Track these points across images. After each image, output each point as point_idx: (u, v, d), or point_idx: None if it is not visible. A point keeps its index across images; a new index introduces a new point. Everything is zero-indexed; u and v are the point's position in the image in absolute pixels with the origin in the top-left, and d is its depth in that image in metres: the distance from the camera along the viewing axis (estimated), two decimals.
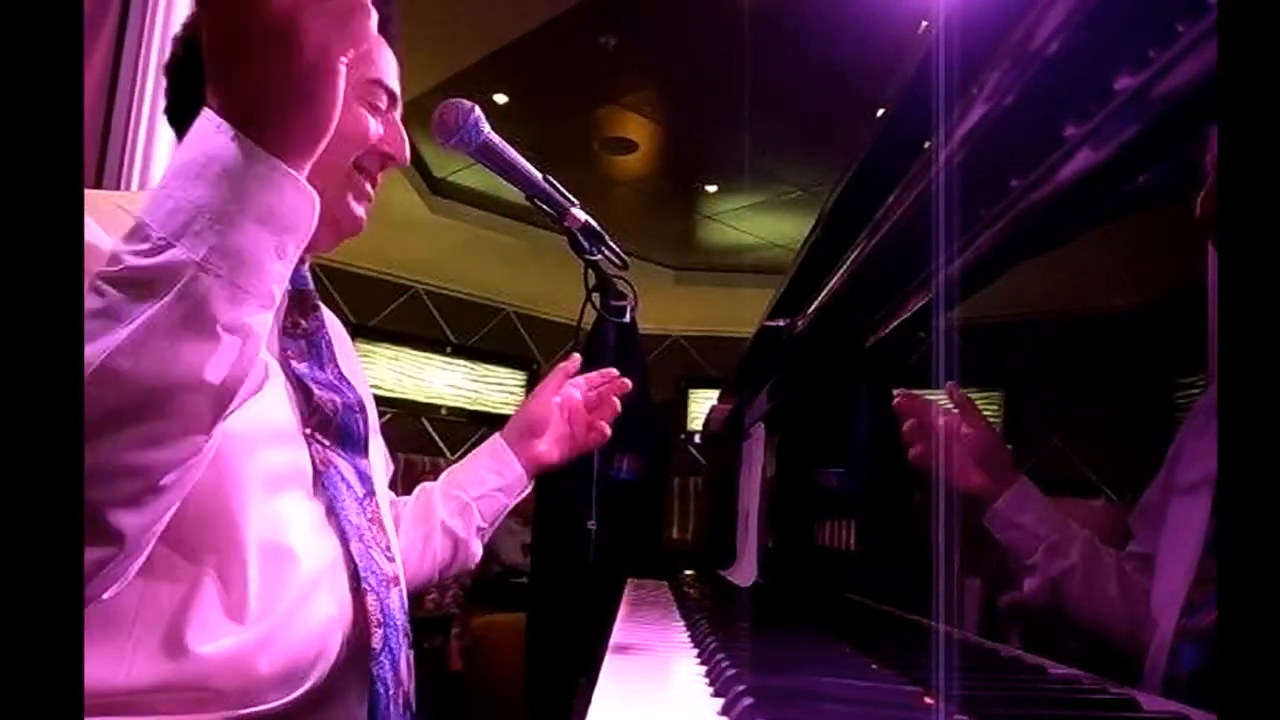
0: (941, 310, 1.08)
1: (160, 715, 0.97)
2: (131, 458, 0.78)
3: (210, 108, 0.80)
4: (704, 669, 0.85)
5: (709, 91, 5.72)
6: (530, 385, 9.65)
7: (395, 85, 1.34)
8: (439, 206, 7.71)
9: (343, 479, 1.19)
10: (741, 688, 0.67)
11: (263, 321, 0.83)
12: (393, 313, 8.70)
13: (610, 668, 0.86)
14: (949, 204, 0.89)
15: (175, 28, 2.15)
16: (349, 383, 1.29)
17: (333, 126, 0.84)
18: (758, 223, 7.95)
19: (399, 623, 1.21)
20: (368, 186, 1.28)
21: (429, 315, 8.99)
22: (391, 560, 1.25)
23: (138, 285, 0.76)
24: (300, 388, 1.17)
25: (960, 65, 0.86)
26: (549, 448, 1.70)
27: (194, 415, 0.81)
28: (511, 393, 9.62)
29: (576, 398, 1.72)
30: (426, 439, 8.83)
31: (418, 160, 7.16)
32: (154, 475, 0.81)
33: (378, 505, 1.26)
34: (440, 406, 9.03)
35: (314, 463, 1.15)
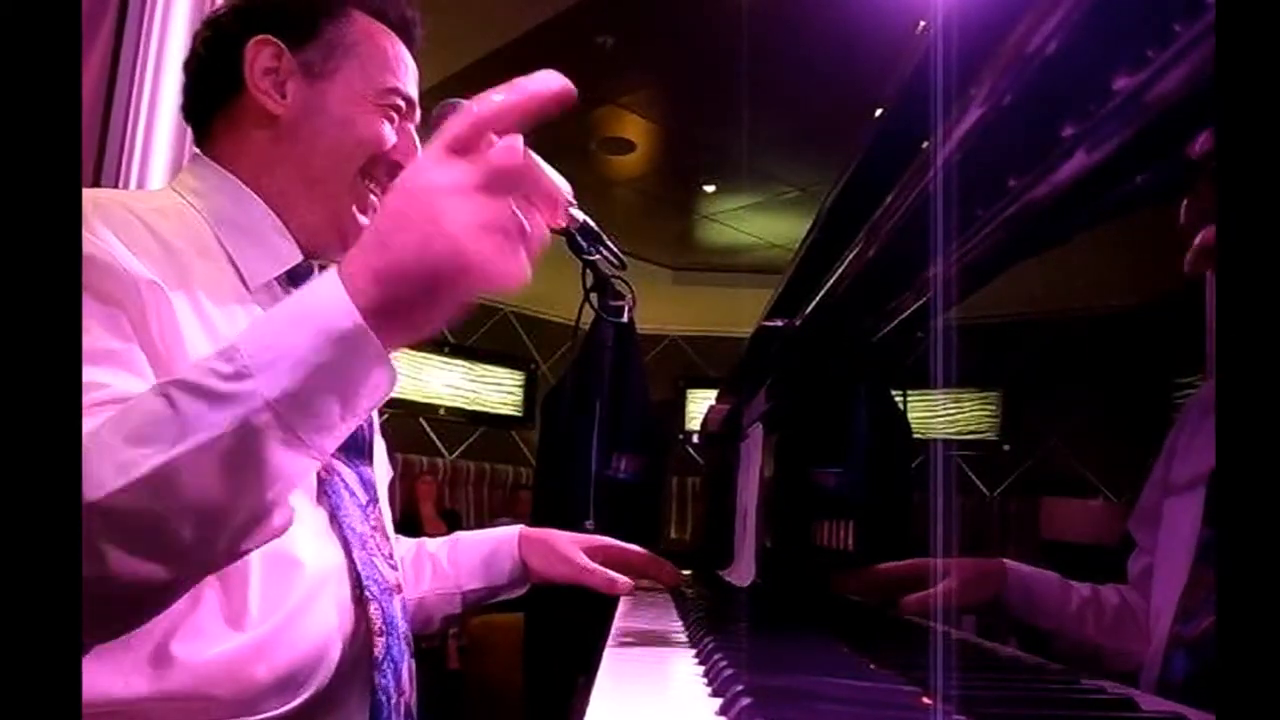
0: (940, 310, 1.08)
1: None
2: (130, 565, 0.78)
3: (347, 277, 0.80)
4: (702, 669, 0.85)
5: (707, 91, 5.73)
6: (528, 385, 9.66)
7: (413, 92, 1.34)
8: None
9: (346, 486, 1.20)
10: (739, 687, 0.67)
11: (304, 467, 0.84)
12: None
13: (608, 667, 0.86)
14: (947, 204, 0.89)
15: (174, 26, 2.15)
16: None
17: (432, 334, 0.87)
18: (756, 222, 7.96)
19: (401, 631, 1.22)
20: (373, 197, 1.27)
21: None
22: (394, 568, 1.25)
23: (208, 401, 0.78)
24: None
25: (958, 65, 0.86)
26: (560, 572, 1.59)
27: (211, 535, 0.82)
28: (510, 393, 9.62)
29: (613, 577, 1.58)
30: (425, 439, 8.83)
31: None
32: (151, 587, 0.82)
33: (380, 512, 1.27)
34: (438, 406, 9.03)
35: (318, 470, 1.13)
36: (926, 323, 1.20)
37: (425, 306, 0.82)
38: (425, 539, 1.66)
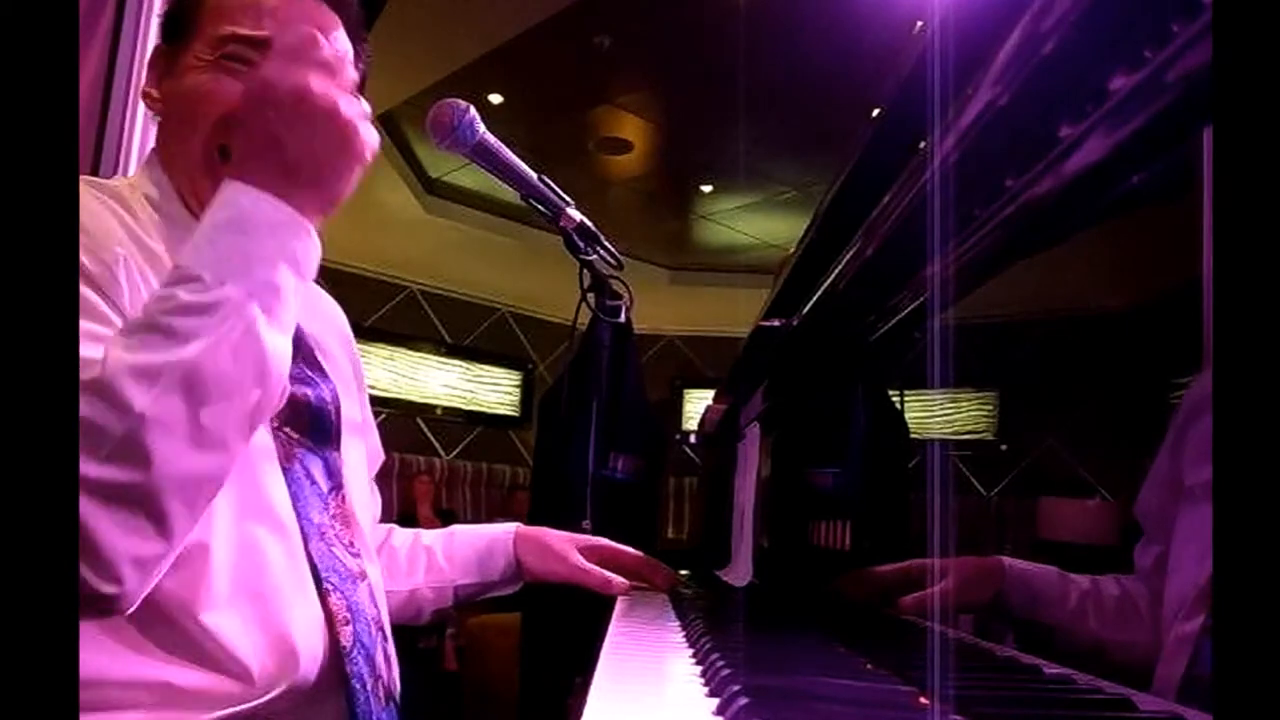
0: (937, 310, 1.08)
1: (127, 711, 0.99)
2: (192, 461, 0.89)
3: (239, 180, 0.98)
4: (699, 669, 0.85)
5: (704, 92, 5.73)
6: (525, 385, 9.67)
7: (266, 28, 1.17)
8: (434, 206, 7.72)
9: (307, 474, 1.19)
10: (736, 688, 0.67)
11: (288, 346, 0.99)
12: (388, 313, 8.71)
13: (605, 668, 0.86)
14: (944, 204, 0.89)
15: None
16: (324, 374, 1.30)
17: (340, 203, 1.04)
18: (753, 223, 7.97)
19: (370, 616, 1.21)
20: None
21: (424, 315, 9.00)
22: (357, 555, 1.24)
23: (198, 313, 0.90)
24: None
25: (955, 65, 0.86)
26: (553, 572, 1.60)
27: (238, 420, 0.93)
28: (507, 393, 9.62)
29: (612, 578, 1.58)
30: (422, 439, 8.84)
31: (413, 160, 7.16)
32: (208, 482, 0.93)
33: (345, 499, 1.25)
34: (435, 406, 9.04)
35: (279, 457, 1.16)
36: (924, 323, 1.21)
37: (326, 184, 1.01)
38: (422, 531, 1.65)
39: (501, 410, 9.59)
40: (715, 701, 0.69)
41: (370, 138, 1.03)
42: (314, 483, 1.20)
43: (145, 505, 0.87)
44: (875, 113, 1.38)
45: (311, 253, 1.01)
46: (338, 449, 1.28)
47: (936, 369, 1.08)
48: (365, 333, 8.46)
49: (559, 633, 1.97)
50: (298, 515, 1.15)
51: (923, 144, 0.93)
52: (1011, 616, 1.42)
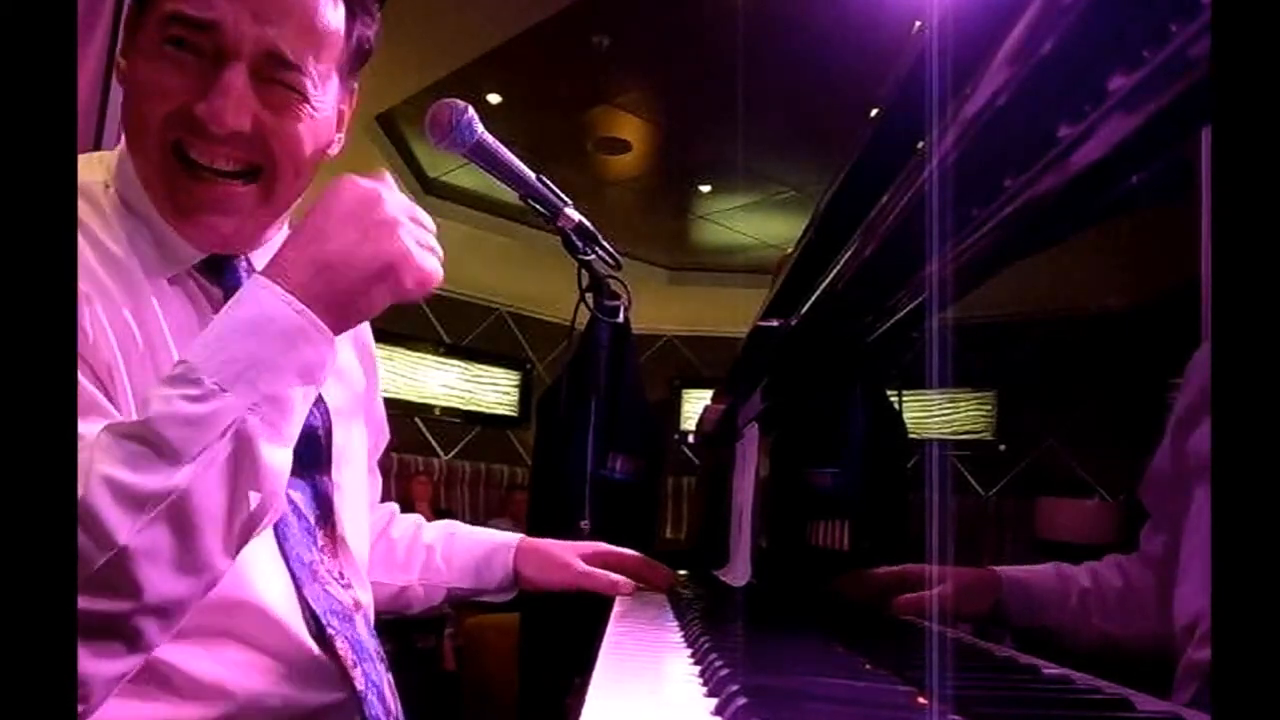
0: (935, 310, 1.08)
1: None
2: (175, 586, 0.86)
3: (282, 271, 0.94)
4: (697, 669, 0.85)
5: (702, 91, 5.73)
6: (524, 385, 9.67)
7: (214, 13, 1.02)
8: (432, 206, 7.71)
9: (293, 507, 1.15)
10: (735, 688, 0.67)
11: (287, 459, 0.95)
12: (386, 313, 8.59)
13: (603, 668, 0.86)
14: (942, 204, 0.89)
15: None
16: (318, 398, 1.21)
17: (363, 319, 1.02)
18: (751, 222, 7.97)
19: (372, 650, 1.20)
20: (194, 180, 1.07)
21: (422, 315, 9.00)
22: (348, 586, 1.21)
23: (193, 426, 0.86)
24: None
25: (954, 65, 0.86)
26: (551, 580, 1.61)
27: (225, 542, 0.90)
28: (505, 393, 9.62)
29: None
30: (420, 439, 8.84)
31: (411, 160, 7.16)
32: (191, 601, 0.90)
33: (335, 526, 1.22)
34: (434, 406, 9.04)
35: None
36: (922, 323, 1.21)
37: (360, 295, 0.97)
38: (423, 523, 1.65)
39: (500, 410, 9.59)
40: (714, 701, 0.69)
41: (426, 266, 1.01)
42: (300, 516, 1.16)
43: (121, 630, 0.85)
44: (874, 113, 1.38)
45: (328, 361, 0.96)
46: (328, 473, 1.23)
47: (935, 369, 1.08)
48: None
49: (557, 633, 1.97)
50: (286, 558, 1.12)
51: (921, 144, 0.93)
52: (1012, 625, 1.41)
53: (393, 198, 1.00)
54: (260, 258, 1.17)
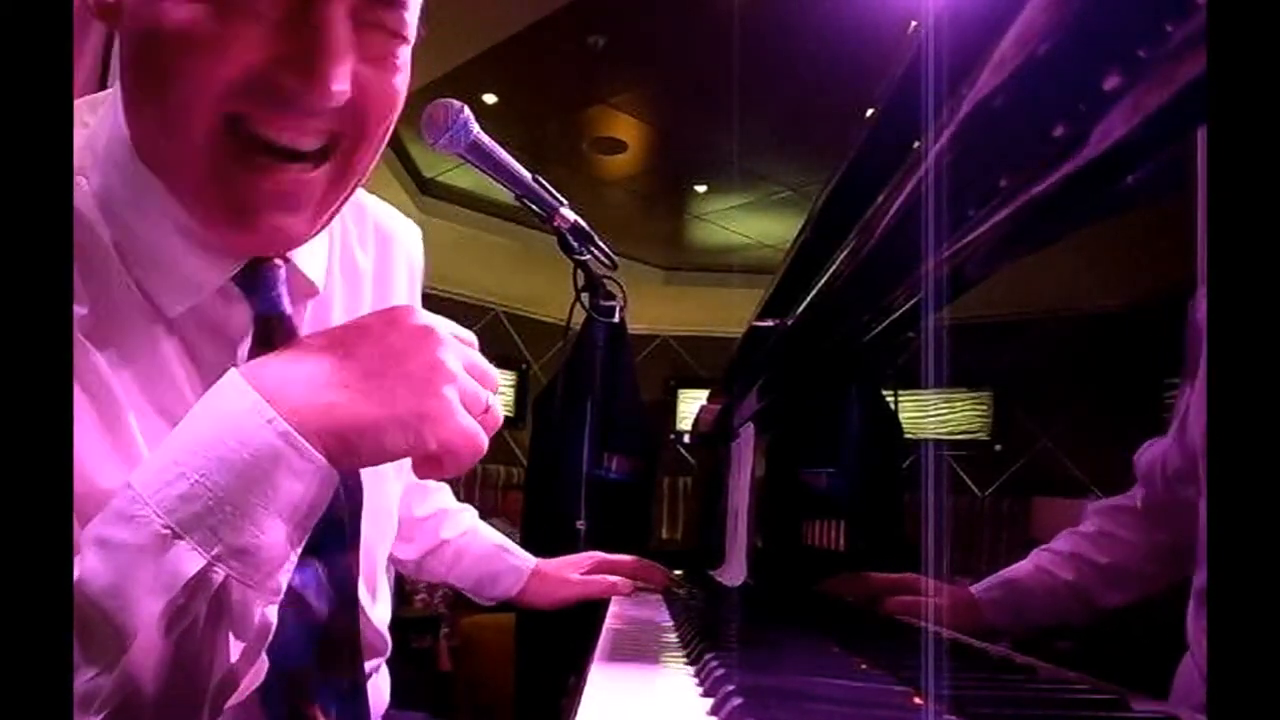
0: (931, 310, 1.08)
1: None
2: None
3: (260, 382, 0.72)
4: (693, 669, 0.85)
5: (698, 91, 5.73)
6: (519, 385, 9.65)
7: None
8: (428, 206, 7.71)
9: (290, 595, 0.85)
10: (730, 688, 0.67)
11: (270, 617, 0.74)
12: None
13: (599, 668, 0.86)
14: (938, 204, 0.89)
15: None
16: None
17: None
18: (747, 223, 7.97)
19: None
20: (255, 170, 0.79)
21: None
22: (350, 700, 0.98)
23: (133, 583, 0.66)
24: None
25: (949, 65, 0.86)
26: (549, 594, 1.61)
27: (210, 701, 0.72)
28: (501, 393, 9.58)
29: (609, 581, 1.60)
30: None
31: (407, 160, 7.16)
32: None
33: (353, 619, 0.97)
34: None
35: None
36: (918, 323, 1.21)
37: (369, 437, 0.73)
38: (450, 511, 1.61)
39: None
40: (709, 701, 0.69)
41: (467, 427, 0.76)
42: (301, 608, 0.89)
43: None
44: (870, 113, 1.38)
45: (321, 500, 0.73)
46: (355, 548, 0.97)
47: (930, 369, 1.08)
48: None
49: (553, 633, 1.97)
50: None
51: (917, 144, 0.93)
52: (1010, 637, 1.41)
53: (454, 341, 0.80)
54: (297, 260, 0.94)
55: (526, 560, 1.63)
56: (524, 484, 3.37)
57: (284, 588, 0.74)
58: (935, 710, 0.68)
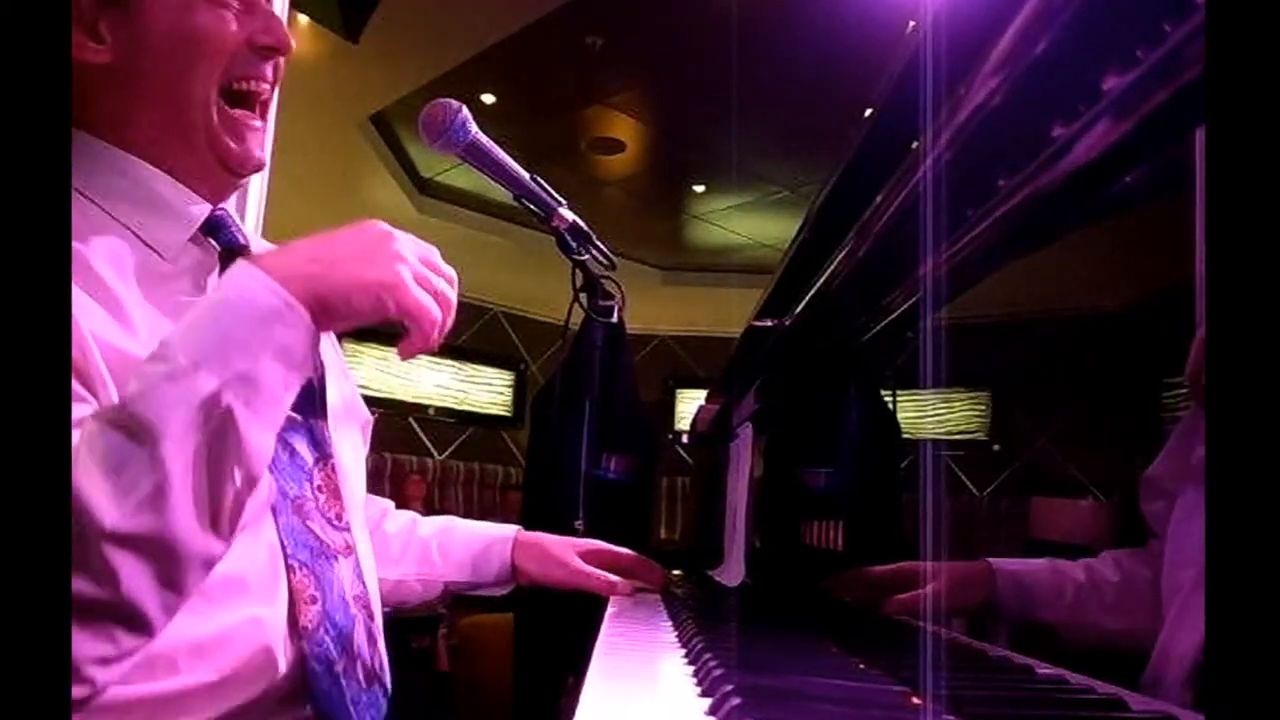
0: (929, 311, 1.08)
1: None
2: (161, 570, 0.85)
3: (265, 270, 0.93)
4: (691, 669, 0.85)
5: (696, 92, 5.73)
6: (517, 385, 9.66)
7: None
8: (426, 206, 7.71)
9: (286, 446, 1.15)
10: (729, 687, 0.67)
11: (269, 442, 0.92)
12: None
13: (598, 668, 0.86)
14: (936, 204, 0.89)
15: None
16: None
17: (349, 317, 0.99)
18: (745, 223, 7.97)
19: (351, 594, 1.17)
20: (247, 116, 1.17)
21: None
22: (343, 529, 1.20)
23: (166, 403, 0.85)
24: None
25: (948, 66, 0.86)
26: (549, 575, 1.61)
27: (214, 523, 0.88)
28: (499, 393, 9.61)
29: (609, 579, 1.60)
30: (414, 439, 8.82)
31: (405, 160, 7.16)
32: (191, 585, 0.89)
33: (334, 470, 1.21)
34: (428, 406, 9.03)
35: None
36: (916, 323, 1.21)
37: (342, 298, 0.96)
38: (419, 518, 1.64)
39: (494, 410, 9.59)
40: (708, 701, 0.69)
41: (421, 300, 1.02)
42: (295, 454, 1.16)
43: (114, 613, 0.83)
44: (868, 113, 1.38)
45: (307, 347, 0.94)
46: (324, 418, 1.23)
47: (929, 369, 1.08)
48: (357, 332, 8.45)
49: (552, 633, 1.97)
50: (268, 486, 1.09)
51: (915, 144, 0.93)
52: (1007, 618, 1.41)
53: (409, 239, 1.04)
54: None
55: (507, 528, 1.63)
56: (522, 484, 3.37)
57: (278, 420, 0.94)
58: (933, 710, 0.68)
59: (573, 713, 0.64)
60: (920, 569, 1.44)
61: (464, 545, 1.60)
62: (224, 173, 1.17)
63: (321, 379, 1.25)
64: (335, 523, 1.19)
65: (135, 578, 0.82)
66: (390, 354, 8.72)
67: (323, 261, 0.96)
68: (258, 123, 1.18)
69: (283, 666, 1.06)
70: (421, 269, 1.03)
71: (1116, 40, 0.64)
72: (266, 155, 1.23)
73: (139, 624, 0.85)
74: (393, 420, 8.60)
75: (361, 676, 1.15)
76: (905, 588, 1.43)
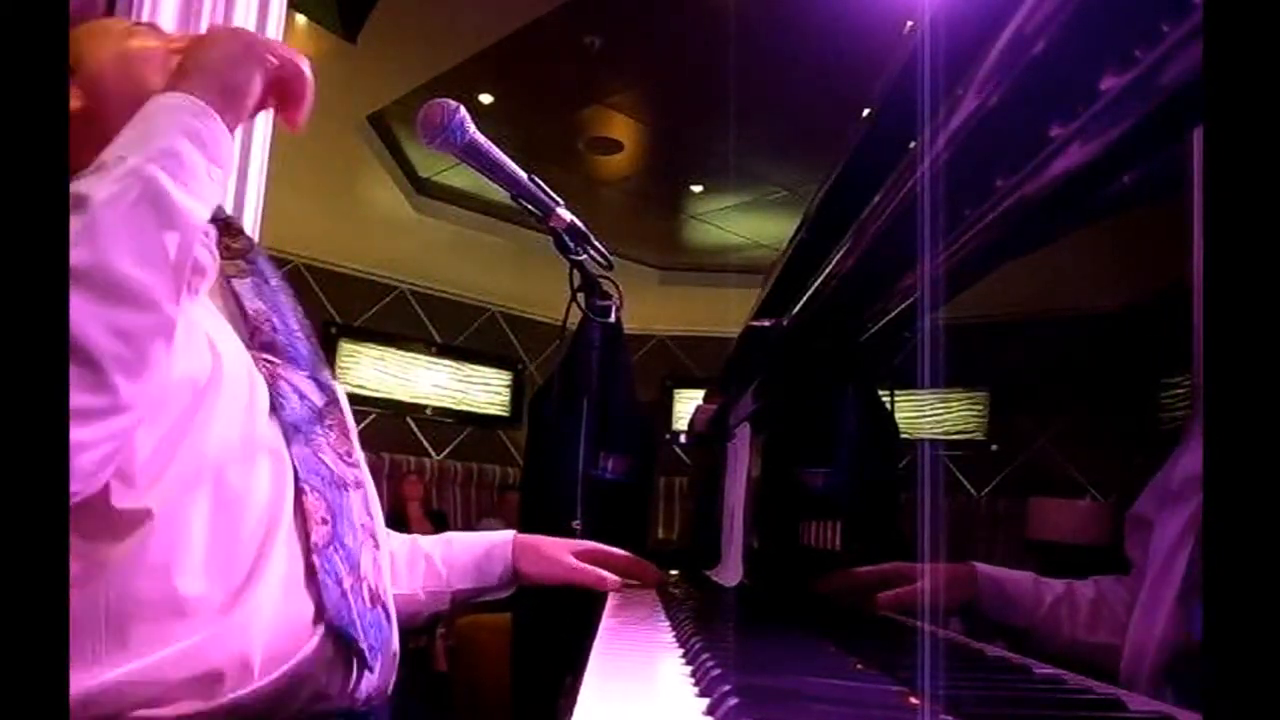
0: (927, 310, 1.08)
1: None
2: (124, 320, 0.94)
3: (173, 90, 1.11)
4: (689, 669, 0.84)
5: (694, 91, 5.73)
6: (515, 385, 9.65)
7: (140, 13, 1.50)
8: (424, 206, 7.71)
9: (295, 389, 1.27)
10: (727, 688, 0.67)
11: (199, 209, 1.05)
12: (377, 312, 8.69)
13: (595, 668, 0.86)
14: (934, 204, 0.89)
15: (161, 23, 2.14)
16: (296, 302, 1.40)
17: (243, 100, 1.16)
18: (743, 222, 7.97)
19: (359, 522, 1.27)
20: None
21: (414, 315, 8.99)
22: (354, 465, 1.31)
23: (97, 175, 0.98)
24: (240, 309, 1.30)
25: (945, 66, 0.86)
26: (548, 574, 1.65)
27: (150, 272, 0.97)
28: (497, 393, 9.61)
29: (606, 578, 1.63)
30: (411, 439, 8.81)
31: (403, 160, 7.16)
32: (141, 339, 0.96)
33: (342, 414, 1.34)
34: (425, 406, 9.02)
35: (265, 376, 1.23)
36: (914, 323, 1.21)
37: (228, 73, 1.14)
38: (419, 536, 1.67)
39: (492, 410, 9.58)
40: (705, 701, 0.69)
41: (281, 51, 1.20)
42: (304, 397, 1.27)
43: (75, 357, 0.90)
44: (865, 113, 1.38)
45: (219, 137, 1.09)
46: (326, 368, 1.36)
47: (927, 369, 1.08)
48: (354, 333, 8.46)
49: (549, 633, 1.97)
50: (281, 422, 1.21)
51: (913, 144, 0.93)
52: (985, 619, 1.42)
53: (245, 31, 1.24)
54: None
55: (505, 532, 1.67)
56: (520, 484, 3.37)
57: (207, 199, 1.06)
58: (931, 710, 0.68)
59: (570, 713, 0.64)
60: (906, 569, 1.45)
61: (466, 552, 1.63)
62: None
63: (310, 334, 1.38)
64: (345, 458, 1.29)
65: (83, 316, 0.90)
66: (387, 353, 8.73)
67: (199, 60, 1.13)
68: None
69: (296, 577, 1.15)
70: (267, 38, 1.22)
71: (1114, 40, 0.64)
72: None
73: (99, 377, 0.92)
74: (390, 420, 8.60)
75: (367, 596, 1.23)
76: (892, 588, 1.44)
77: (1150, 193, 0.81)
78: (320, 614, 1.14)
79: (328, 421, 1.29)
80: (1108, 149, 0.70)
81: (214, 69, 1.13)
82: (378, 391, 8.54)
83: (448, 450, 9.11)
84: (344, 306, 8.36)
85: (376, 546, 1.31)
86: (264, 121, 2.33)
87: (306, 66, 1.22)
